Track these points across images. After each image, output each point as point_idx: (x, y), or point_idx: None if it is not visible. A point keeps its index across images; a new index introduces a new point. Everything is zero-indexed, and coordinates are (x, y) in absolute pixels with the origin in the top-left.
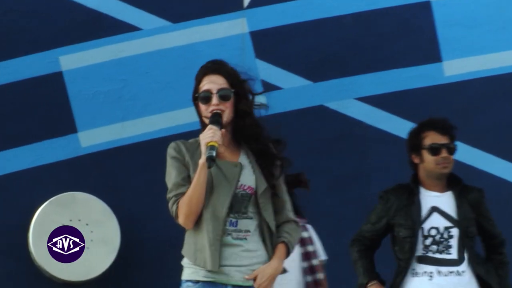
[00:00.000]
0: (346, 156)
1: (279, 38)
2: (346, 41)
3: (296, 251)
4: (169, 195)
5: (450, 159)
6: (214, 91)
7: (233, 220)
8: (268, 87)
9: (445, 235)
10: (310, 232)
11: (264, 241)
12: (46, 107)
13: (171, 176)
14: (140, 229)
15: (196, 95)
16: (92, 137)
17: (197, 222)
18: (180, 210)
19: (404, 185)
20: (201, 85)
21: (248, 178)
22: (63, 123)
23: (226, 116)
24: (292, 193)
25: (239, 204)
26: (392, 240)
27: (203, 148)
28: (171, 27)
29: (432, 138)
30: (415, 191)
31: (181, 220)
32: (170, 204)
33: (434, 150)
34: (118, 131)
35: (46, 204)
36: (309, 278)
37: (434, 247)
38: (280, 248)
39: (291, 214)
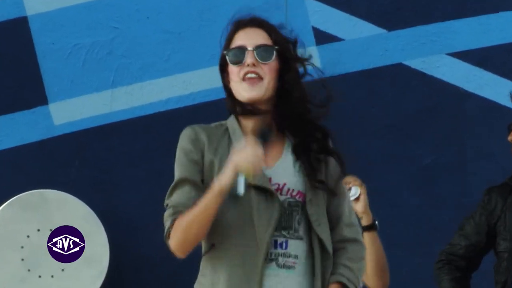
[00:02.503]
0: (435, 137)
1: None
2: None
3: None
4: (167, 201)
5: None
6: (250, 48)
7: (282, 239)
8: (323, 38)
9: None
10: None
11: (313, 271)
12: (3, 68)
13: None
14: (137, 243)
15: (224, 52)
16: (69, 111)
17: None
18: (174, 233)
19: None
20: (232, 42)
21: (297, 180)
22: (29, 91)
23: (265, 87)
24: None
25: (287, 217)
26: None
27: (229, 171)
28: None
29: None
30: None
31: (172, 245)
32: (165, 215)
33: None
34: (107, 103)
35: (3, 206)
36: None
37: None
38: None
39: (349, 231)
